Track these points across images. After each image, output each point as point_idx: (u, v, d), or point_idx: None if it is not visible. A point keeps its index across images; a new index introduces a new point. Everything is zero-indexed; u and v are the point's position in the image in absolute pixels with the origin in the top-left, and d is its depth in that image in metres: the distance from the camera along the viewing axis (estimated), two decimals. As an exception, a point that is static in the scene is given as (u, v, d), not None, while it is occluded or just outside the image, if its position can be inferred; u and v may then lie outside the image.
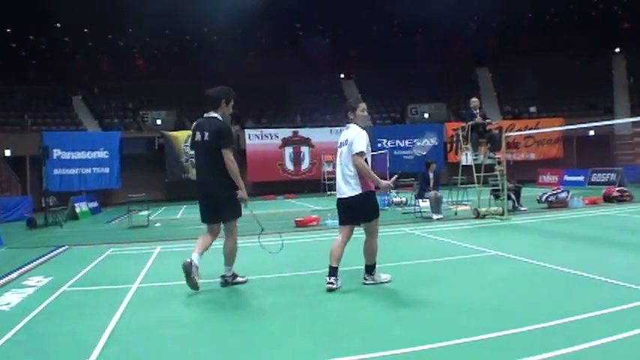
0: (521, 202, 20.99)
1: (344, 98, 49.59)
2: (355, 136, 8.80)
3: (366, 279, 9.17)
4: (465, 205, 21.60)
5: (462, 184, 21.08)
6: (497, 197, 19.81)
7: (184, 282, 8.91)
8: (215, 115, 9.30)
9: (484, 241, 13.29)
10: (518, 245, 12.98)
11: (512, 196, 20.38)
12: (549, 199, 21.64)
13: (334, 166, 29.88)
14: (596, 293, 7.99)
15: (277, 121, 45.67)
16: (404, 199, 23.80)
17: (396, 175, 9.89)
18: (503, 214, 18.43)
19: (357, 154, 8.69)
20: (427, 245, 10.68)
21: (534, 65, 49.70)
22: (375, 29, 52.36)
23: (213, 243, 9.56)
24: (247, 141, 41.91)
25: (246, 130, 42.64)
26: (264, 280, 9.93)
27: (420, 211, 19.87)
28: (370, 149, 9.04)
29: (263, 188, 39.51)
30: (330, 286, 8.76)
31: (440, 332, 6.34)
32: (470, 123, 19.43)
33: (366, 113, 9.33)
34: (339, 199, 9.12)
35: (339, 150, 9.16)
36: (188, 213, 27.47)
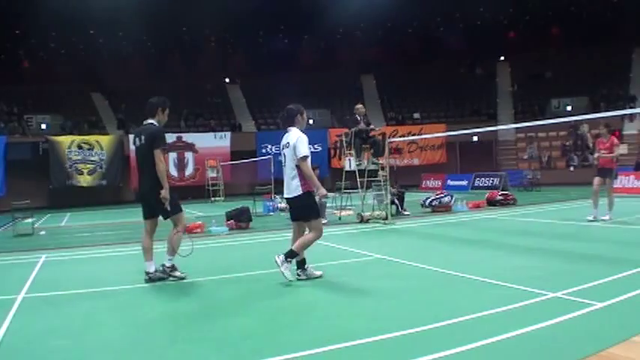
0: (405, 207, 21.00)
1: (228, 103, 49.35)
2: (297, 141, 9.29)
3: (291, 272, 9.41)
4: (349, 210, 21.43)
5: (345, 189, 20.88)
6: (380, 202, 19.70)
7: (71, 291, 9.22)
8: (151, 121, 10.05)
9: (368, 245, 13.16)
10: (402, 249, 12.91)
11: (396, 201, 20.43)
12: (433, 204, 21.72)
13: (218, 172, 29.39)
14: (481, 294, 7.98)
15: (163, 126, 44.74)
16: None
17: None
18: (386, 219, 18.35)
19: (302, 157, 9.21)
20: (312, 250, 10.39)
21: (419, 72, 50.37)
22: (261, 34, 52.05)
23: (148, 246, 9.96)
24: (131, 146, 40.18)
25: (130, 135, 41.03)
26: (157, 286, 9.70)
27: (305, 216, 19.58)
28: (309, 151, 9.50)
29: (146, 194, 38.64)
30: (295, 277, 9.46)
31: (333, 335, 6.27)
32: (353, 129, 19.29)
33: (306, 119, 10.02)
34: (285, 198, 9.73)
35: (282, 152, 9.68)
36: (73, 220, 26.74)
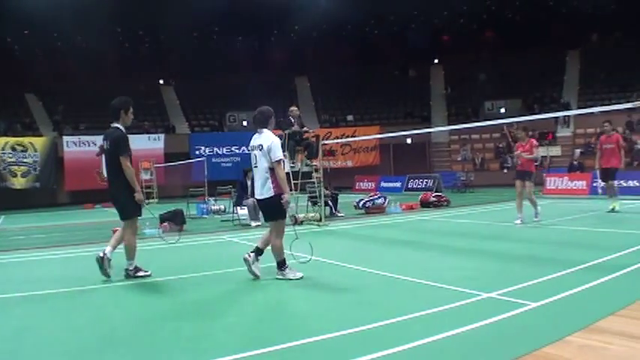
0: (339, 209, 21.01)
1: (162, 105, 48.83)
2: (272, 144, 9.39)
3: (277, 273, 9.60)
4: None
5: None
6: (314, 204, 19.71)
7: (6, 295, 9.13)
8: (117, 125, 10.29)
9: (303, 247, 12.99)
10: (336, 250, 12.86)
11: (330, 203, 20.43)
12: (366, 205, 21.75)
13: (151, 174, 29.05)
14: (416, 295, 8.06)
15: (96, 127, 43.82)
16: (222, 207, 23.36)
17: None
18: (320, 220, 18.35)
19: (277, 161, 9.35)
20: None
21: (353, 75, 50.45)
22: (195, 35, 51.63)
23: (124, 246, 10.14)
24: (65, 148, 39.97)
25: (64, 137, 40.79)
26: (95, 289, 9.48)
27: (239, 219, 19.45)
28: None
29: (81, 197, 38.05)
30: (245, 255, 9.58)
31: (270, 336, 6.31)
32: (287, 131, 19.24)
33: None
34: (256, 199, 9.93)
35: (252, 154, 9.77)
36: (7, 223, 26.08)
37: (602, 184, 19.88)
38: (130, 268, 10.08)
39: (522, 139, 16.44)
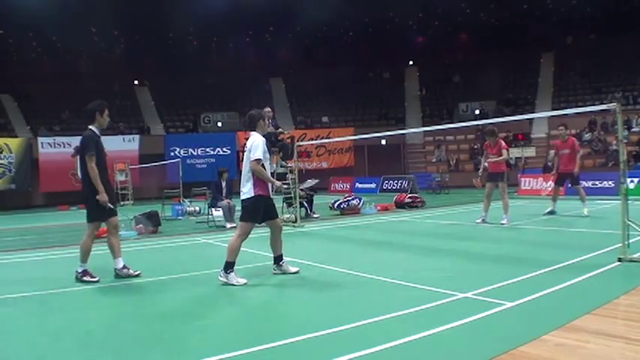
0: (314, 210, 20.98)
1: (137, 105, 48.52)
2: (252, 144, 9.62)
3: (220, 275, 9.25)
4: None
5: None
6: (289, 205, 19.67)
7: None
8: (91, 127, 10.16)
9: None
10: (312, 251, 12.80)
11: (305, 204, 20.39)
12: (342, 206, 21.73)
13: (127, 175, 29.09)
14: (392, 296, 8.03)
15: (71, 128, 43.50)
16: (197, 209, 23.23)
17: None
18: (296, 222, 18.31)
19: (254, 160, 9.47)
20: (223, 254, 10.21)
21: (328, 76, 50.33)
22: (170, 36, 51.35)
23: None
24: (40, 150, 39.67)
25: (39, 138, 40.39)
26: (67, 292, 9.23)
27: (214, 220, 19.36)
28: (268, 155, 9.95)
29: (56, 199, 37.72)
30: (273, 272, 9.95)
31: (248, 338, 6.24)
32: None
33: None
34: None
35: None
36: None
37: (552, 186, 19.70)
38: (79, 270, 9.91)
39: (492, 140, 16.49)
